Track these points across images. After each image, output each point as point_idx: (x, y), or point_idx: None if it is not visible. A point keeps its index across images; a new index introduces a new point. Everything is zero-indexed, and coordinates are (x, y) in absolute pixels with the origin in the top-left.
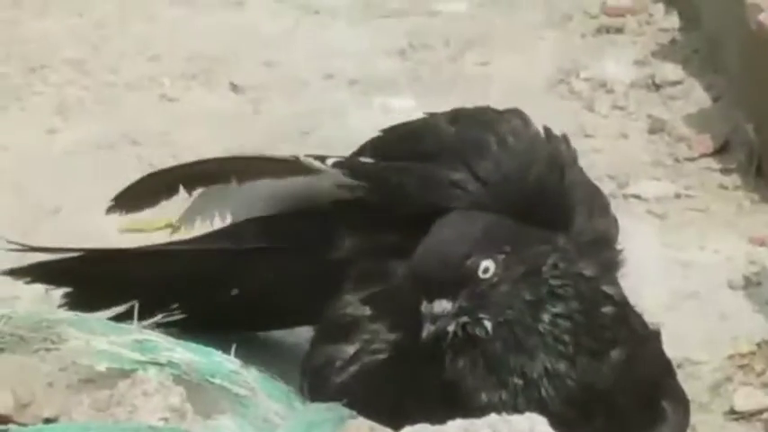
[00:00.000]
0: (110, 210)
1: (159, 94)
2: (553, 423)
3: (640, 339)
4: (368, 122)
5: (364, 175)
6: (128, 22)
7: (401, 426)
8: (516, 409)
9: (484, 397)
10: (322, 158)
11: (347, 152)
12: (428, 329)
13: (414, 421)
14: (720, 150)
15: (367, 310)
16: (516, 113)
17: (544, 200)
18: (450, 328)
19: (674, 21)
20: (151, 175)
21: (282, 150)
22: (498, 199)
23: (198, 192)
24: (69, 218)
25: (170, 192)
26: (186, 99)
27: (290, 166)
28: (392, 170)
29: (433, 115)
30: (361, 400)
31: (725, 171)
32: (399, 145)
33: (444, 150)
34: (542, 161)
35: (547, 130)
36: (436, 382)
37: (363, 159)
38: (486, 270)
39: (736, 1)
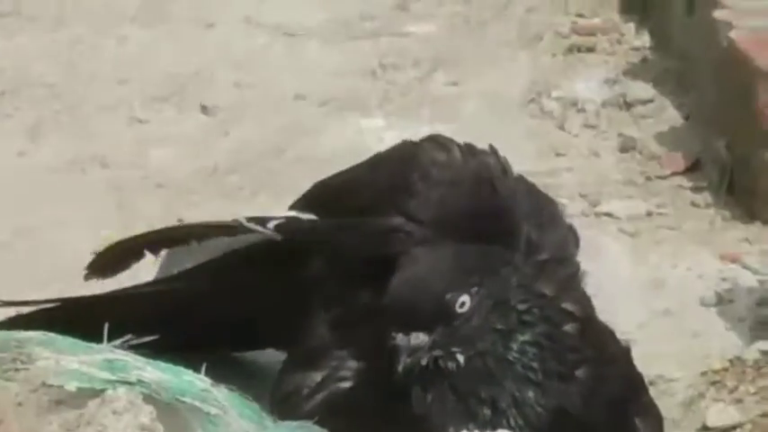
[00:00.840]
0: (87, 277)
1: (130, 116)
2: None
3: (608, 357)
4: (340, 142)
5: (307, 236)
6: (99, 43)
7: None
8: None
9: (452, 430)
10: (264, 220)
11: (319, 172)
12: (404, 362)
13: None
14: (692, 168)
15: (333, 337)
16: (433, 140)
17: (482, 217)
18: (423, 362)
19: (645, 39)
20: (117, 243)
21: (255, 170)
22: (439, 231)
23: (163, 253)
24: (44, 237)
25: (137, 256)
26: (157, 121)
27: (237, 230)
28: (333, 229)
29: (353, 168)
30: (328, 428)
31: (696, 189)
32: (333, 202)
33: (375, 199)
34: (469, 180)
35: (469, 146)
36: (404, 414)
37: (303, 218)
38: (462, 305)
39: (707, 19)
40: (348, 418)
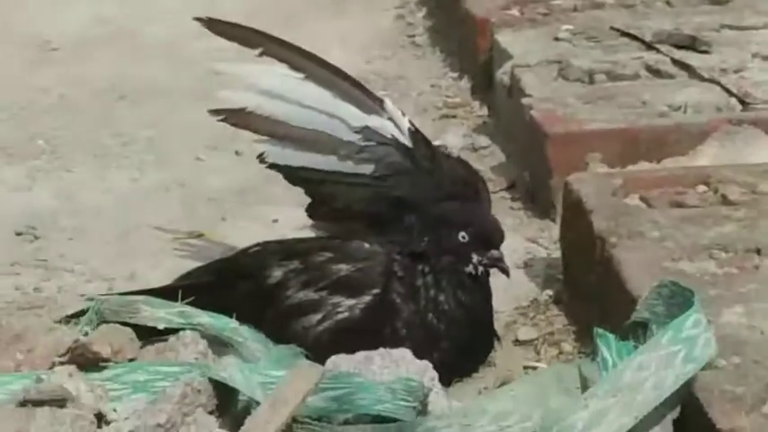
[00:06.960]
0: None
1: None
2: None
3: None
4: None
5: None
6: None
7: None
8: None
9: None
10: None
11: None
12: (503, 267)
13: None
14: (510, 187)
15: (321, 293)
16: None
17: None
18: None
19: (485, 111)
20: None
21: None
22: None
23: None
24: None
25: None
26: None
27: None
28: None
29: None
30: (333, 347)
31: (513, 199)
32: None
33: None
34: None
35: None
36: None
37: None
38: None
39: (518, 102)
40: (351, 339)
